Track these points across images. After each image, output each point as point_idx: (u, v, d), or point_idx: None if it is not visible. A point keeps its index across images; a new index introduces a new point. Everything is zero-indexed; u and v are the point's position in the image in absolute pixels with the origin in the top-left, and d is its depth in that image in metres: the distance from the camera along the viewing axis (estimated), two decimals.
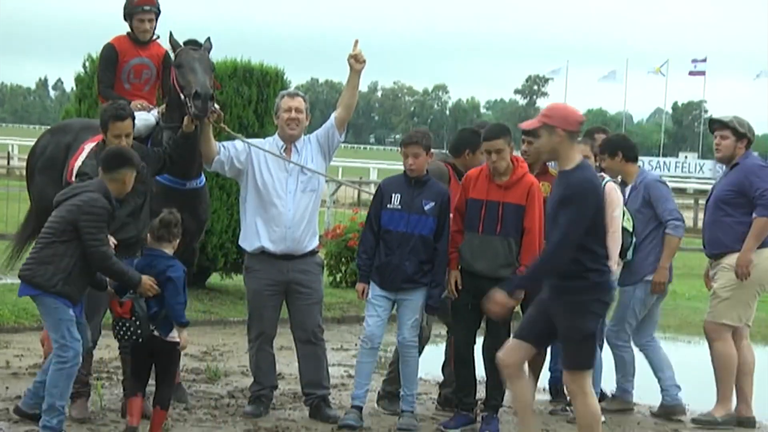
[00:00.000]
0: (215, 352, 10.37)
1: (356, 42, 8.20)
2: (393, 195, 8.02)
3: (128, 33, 8.90)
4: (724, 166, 9.34)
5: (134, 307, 7.16)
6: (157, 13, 8.89)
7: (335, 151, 8.46)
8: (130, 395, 7.40)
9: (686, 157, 77.05)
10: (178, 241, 7.37)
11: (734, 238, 8.78)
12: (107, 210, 7.07)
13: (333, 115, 8.36)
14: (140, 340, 7.18)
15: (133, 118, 7.81)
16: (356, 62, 8.14)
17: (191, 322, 9.40)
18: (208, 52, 8.32)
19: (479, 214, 7.89)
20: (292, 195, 8.13)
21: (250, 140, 8.41)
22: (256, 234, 8.14)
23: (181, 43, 8.38)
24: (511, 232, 7.86)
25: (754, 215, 8.64)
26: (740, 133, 8.97)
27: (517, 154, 8.51)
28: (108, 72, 9.02)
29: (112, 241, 7.23)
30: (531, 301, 8.34)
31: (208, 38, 8.42)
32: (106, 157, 7.30)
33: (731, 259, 8.77)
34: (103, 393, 8.43)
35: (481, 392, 8.31)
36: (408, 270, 7.93)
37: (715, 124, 9.17)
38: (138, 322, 7.15)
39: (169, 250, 7.30)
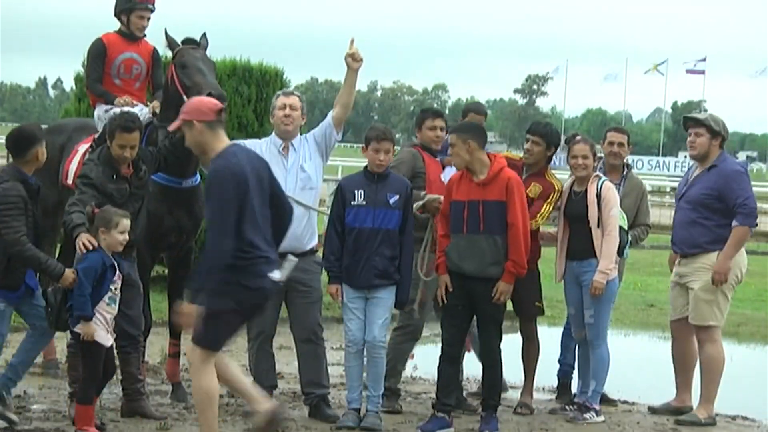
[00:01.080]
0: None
1: (352, 40, 8.17)
2: (356, 192, 7.98)
3: (119, 29, 8.91)
4: (695, 164, 9.20)
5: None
6: (152, 12, 8.93)
7: (332, 149, 8.44)
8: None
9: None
10: (111, 240, 7.35)
11: (711, 239, 8.78)
12: (22, 197, 7.24)
13: (330, 114, 8.35)
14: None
15: (141, 131, 7.81)
16: (353, 61, 8.12)
17: None
18: (206, 50, 8.31)
19: (462, 215, 7.86)
20: (291, 193, 8.09)
21: (247, 141, 8.32)
22: None
23: (179, 42, 8.39)
24: (495, 229, 7.83)
25: (734, 223, 8.61)
26: (715, 131, 8.92)
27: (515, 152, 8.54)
28: (96, 66, 9.05)
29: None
30: (520, 296, 8.45)
31: (204, 34, 8.42)
32: (14, 145, 7.45)
33: (708, 259, 8.74)
34: (102, 393, 8.42)
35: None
36: (378, 266, 7.90)
37: (689, 122, 9.11)
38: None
39: (88, 245, 7.31)
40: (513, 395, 9.09)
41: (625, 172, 9.17)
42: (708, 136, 8.88)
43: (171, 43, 8.42)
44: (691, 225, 8.82)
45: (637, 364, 9.24)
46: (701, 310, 8.82)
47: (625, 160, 9.31)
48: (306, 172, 8.19)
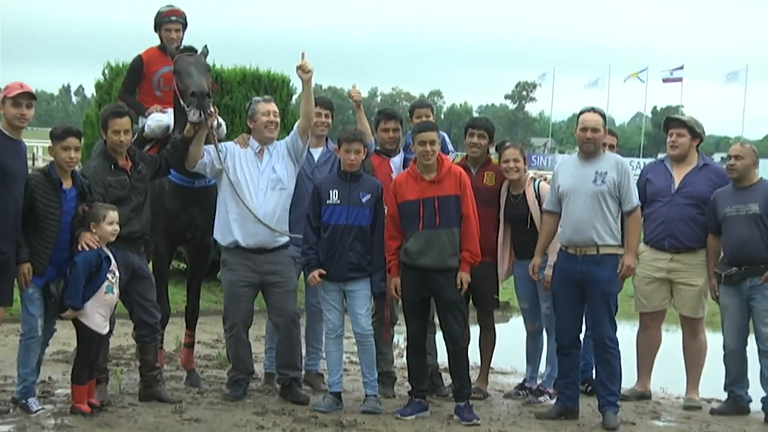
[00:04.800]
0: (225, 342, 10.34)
1: (303, 54, 8.14)
2: (330, 191, 7.96)
3: (159, 45, 8.92)
4: (664, 162, 9.11)
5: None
6: (184, 25, 8.93)
7: (302, 156, 8.35)
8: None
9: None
10: (100, 234, 7.40)
11: (705, 234, 8.71)
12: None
13: (296, 125, 8.32)
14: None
15: (131, 117, 7.85)
16: (303, 72, 8.09)
17: (204, 312, 9.48)
18: (205, 57, 8.29)
19: (418, 213, 7.79)
20: (263, 192, 8.09)
21: (227, 143, 8.32)
22: (229, 229, 8.11)
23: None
24: (451, 222, 7.80)
25: None
26: (696, 132, 8.90)
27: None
28: (130, 79, 9.12)
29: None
30: (479, 290, 8.41)
31: (205, 45, 8.39)
32: None
33: (704, 256, 8.72)
34: (122, 378, 8.45)
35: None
36: (353, 259, 7.89)
37: (673, 122, 9.02)
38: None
39: (93, 243, 7.39)
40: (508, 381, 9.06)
41: None
42: (689, 137, 8.84)
43: (171, 53, 8.44)
44: (693, 220, 8.70)
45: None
46: (696, 304, 8.82)
47: None
48: (277, 173, 8.15)
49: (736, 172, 8.49)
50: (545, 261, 8.33)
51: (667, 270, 8.85)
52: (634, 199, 8.06)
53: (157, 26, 8.94)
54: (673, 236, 8.77)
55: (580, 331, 8.24)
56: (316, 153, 8.64)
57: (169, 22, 8.86)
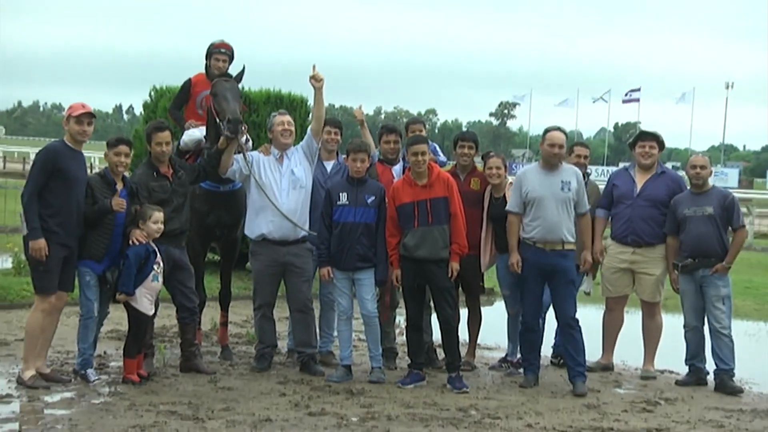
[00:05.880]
0: (253, 321, 10.31)
1: (314, 66, 8.10)
2: (340, 194, 7.95)
3: (205, 70, 8.88)
4: (630, 168, 9.07)
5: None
6: (231, 57, 8.84)
7: (316, 155, 8.35)
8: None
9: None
10: (147, 231, 7.43)
11: (662, 232, 8.69)
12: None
13: (309, 128, 8.33)
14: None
15: (171, 132, 7.87)
16: (315, 81, 8.06)
17: (235, 297, 9.46)
18: (239, 81, 8.25)
19: (413, 213, 7.77)
20: (285, 192, 8.08)
21: (249, 153, 8.25)
22: (257, 224, 8.10)
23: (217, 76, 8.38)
24: (442, 220, 7.78)
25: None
26: (663, 145, 8.93)
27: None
28: (178, 97, 9.14)
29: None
30: (467, 279, 8.37)
31: (243, 66, 8.37)
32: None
33: (663, 249, 8.68)
34: (165, 353, 8.44)
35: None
36: (360, 251, 7.86)
37: (646, 136, 8.99)
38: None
39: (142, 239, 7.42)
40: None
41: (586, 180, 9.08)
42: (658, 148, 8.86)
43: (211, 77, 8.44)
44: (652, 219, 8.68)
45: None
46: (654, 290, 8.78)
47: (587, 170, 9.18)
48: (296, 174, 8.14)
49: (701, 179, 8.56)
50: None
51: (630, 261, 8.83)
52: (587, 204, 8.23)
53: (208, 55, 8.86)
54: (635, 233, 8.76)
55: (542, 313, 8.27)
56: (329, 165, 8.60)
57: (218, 53, 8.82)
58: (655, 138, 8.93)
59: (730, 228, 8.54)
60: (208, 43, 8.92)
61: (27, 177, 7.35)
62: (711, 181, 8.81)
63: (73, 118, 7.36)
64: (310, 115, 13.91)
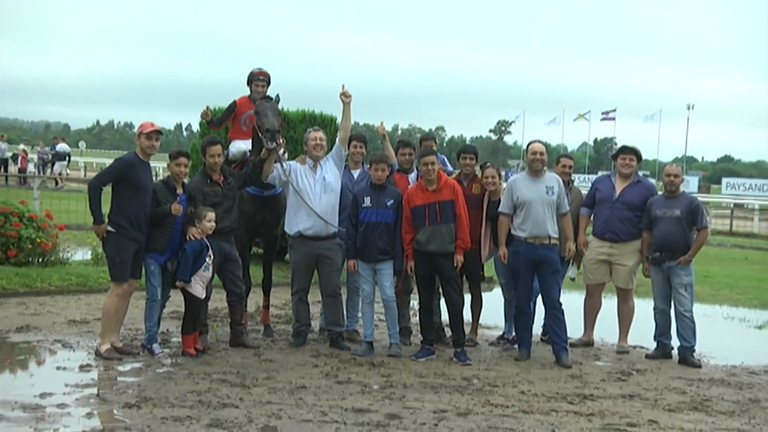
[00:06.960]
0: (291, 304, 10.31)
1: (343, 85, 8.13)
2: (364, 198, 7.96)
3: (249, 94, 8.92)
4: (611, 176, 9.00)
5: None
6: (268, 82, 8.89)
7: (344, 160, 8.37)
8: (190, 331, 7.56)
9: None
10: (202, 228, 7.44)
11: (638, 231, 8.67)
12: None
13: (338, 137, 8.35)
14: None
15: (222, 145, 7.87)
16: (345, 97, 8.09)
17: (275, 284, 9.48)
18: (278, 103, 8.29)
19: (424, 214, 7.77)
20: (318, 195, 8.09)
21: (286, 162, 8.25)
22: (295, 223, 8.11)
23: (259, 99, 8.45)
24: (449, 219, 7.77)
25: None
26: (640, 158, 8.89)
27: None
28: (223, 114, 9.12)
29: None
30: (470, 269, 8.32)
31: (278, 94, 8.41)
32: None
33: (637, 244, 8.65)
34: (217, 330, 8.46)
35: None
36: (381, 246, 7.85)
37: (627, 150, 8.93)
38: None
39: (197, 235, 7.44)
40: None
41: (570, 186, 9.05)
42: (636, 161, 8.83)
43: (254, 99, 8.50)
44: (628, 220, 8.66)
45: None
46: (627, 278, 8.74)
47: (570, 177, 9.16)
48: (327, 180, 8.15)
49: (675, 185, 8.56)
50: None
51: (608, 254, 8.82)
52: (567, 205, 8.24)
53: (249, 81, 8.93)
54: (613, 231, 8.77)
55: (533, 298, 8.23)
56: (355, 173, 8.63)
57: (258, 80, 8.87)
58: (635, 152, 8.90)
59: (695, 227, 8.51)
60: (249, 70, 8.97)
61: (99, 172, 7.37)
62: (681, 188, 8.77)
63: (144, 134, 7.40)
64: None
